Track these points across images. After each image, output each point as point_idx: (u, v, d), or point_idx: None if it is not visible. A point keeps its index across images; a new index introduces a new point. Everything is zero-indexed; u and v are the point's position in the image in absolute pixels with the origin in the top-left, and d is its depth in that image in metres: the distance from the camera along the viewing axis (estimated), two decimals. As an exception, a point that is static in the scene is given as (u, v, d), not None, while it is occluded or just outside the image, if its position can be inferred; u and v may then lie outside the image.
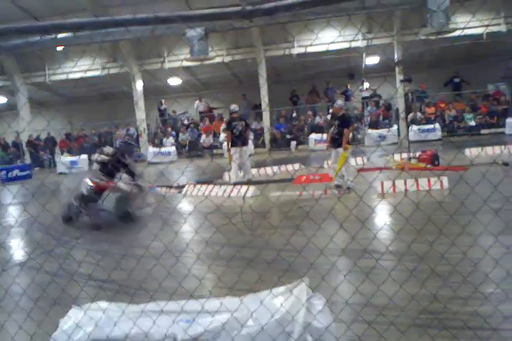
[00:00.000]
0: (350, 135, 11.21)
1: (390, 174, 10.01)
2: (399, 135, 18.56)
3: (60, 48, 19.72)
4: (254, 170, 11.71)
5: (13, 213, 10.16)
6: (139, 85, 22.12)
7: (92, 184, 7.45)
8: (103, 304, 2.85)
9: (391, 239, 5.38)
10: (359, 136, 19.37)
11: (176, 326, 2.62)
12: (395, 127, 19.23)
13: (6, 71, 22.27)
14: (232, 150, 10.79)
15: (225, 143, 12.58)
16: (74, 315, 2.80)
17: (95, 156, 7.94)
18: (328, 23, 17.25)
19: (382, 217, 6.94)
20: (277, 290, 2.74)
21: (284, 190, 8.86)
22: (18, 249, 6.65)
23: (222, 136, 16.83)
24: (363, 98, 21.82)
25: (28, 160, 22.20)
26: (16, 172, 17.96)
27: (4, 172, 17.77)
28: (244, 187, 9.38)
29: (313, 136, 19.09)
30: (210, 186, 10.11)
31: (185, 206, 9.16)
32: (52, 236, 6.66)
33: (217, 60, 20.57)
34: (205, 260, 5.06)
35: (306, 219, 5.18)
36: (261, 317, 2.56)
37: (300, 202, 7.85)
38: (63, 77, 22.50)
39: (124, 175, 7.73)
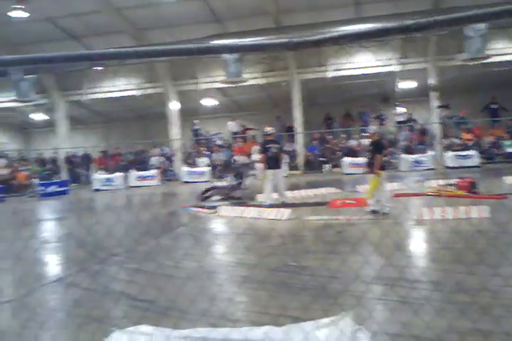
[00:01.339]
0: (385, 159, 11.13)
1: (426, 200, 9.84)
2: (435, 160, 18.23)
3: (97, 68, 20.26)
4: (288, 193, 11.64)
5: (55, 228, 10.40)
6: (173, 105, 22.50)
7: None
8: (147, 328, 2.85)
9: (431, 267, 5.25)
10: (394, 161, 19.09)
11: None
12: (431, 153, 18.90)
13: (45, 89, 22.95)
14: (267, 172, 10.78)
15: (258, 164, 12.60)
16: (117, 339, 2.81)
17: None
18: (368, 49, 17.31)
19: (420, 244, 6.80)
20: (322, 322, 2.71)
21: (319, 213, 8.77)
22: (57, 265, 6.72)
23: (255, 157, 16.84)
24: (399, 122, 21.64)
25: (65, 176, 22.67)
26: (54, 188, 18.38)
27: (43, 187, 18.24)
28: (279, 210, 9.34)
29: (347, 159, 18.96)
30: (244, 207, 10.10)
31: (220, 227, 9.17)
32: (90, 253, 6.76)
33: (252, 82, 20.81)
34: (244, 283, 5.00)
35: (345, 244, 5.09)
36: (305, 350, 2.52)
37: (336, 226, 7.76)
38: (101, 96, 23.16)
39: None
